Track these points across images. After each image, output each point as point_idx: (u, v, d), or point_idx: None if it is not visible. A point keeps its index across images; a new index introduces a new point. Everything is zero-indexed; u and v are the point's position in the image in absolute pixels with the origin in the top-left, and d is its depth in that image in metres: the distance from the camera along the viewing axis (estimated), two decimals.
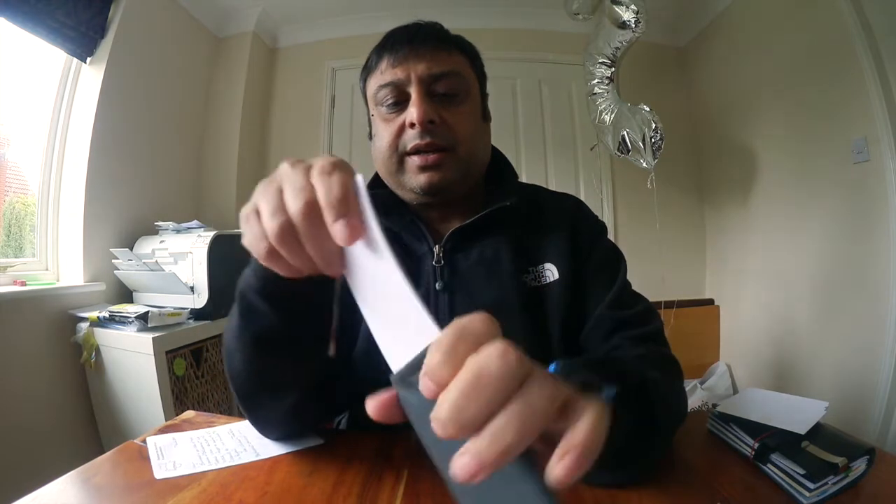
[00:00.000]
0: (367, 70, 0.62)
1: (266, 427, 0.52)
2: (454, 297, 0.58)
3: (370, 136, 0.64)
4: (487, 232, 0.60)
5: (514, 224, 0.62)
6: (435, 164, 0.56)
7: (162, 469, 0.44)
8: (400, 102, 0.58)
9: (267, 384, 0.46)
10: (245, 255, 0.31)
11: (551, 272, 0.60)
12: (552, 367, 0.39)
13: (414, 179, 0.58)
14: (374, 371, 0.57)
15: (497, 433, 0.18)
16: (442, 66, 0.58)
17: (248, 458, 0.48)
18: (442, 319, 0.47)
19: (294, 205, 0.26)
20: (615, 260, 0.64)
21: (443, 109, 0.57)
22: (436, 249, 0.60)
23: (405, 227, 0.62)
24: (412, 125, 0.55)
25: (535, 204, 0.66)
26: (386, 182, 0.63)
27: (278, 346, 0.42)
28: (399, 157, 0.58)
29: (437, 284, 0.59)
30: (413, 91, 0.56)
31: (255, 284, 0.39)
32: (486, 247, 0.60)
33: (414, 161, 0.57)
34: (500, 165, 0.69)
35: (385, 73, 0.58)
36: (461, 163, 0.58)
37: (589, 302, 0.59)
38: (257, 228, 0.28)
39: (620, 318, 0.57)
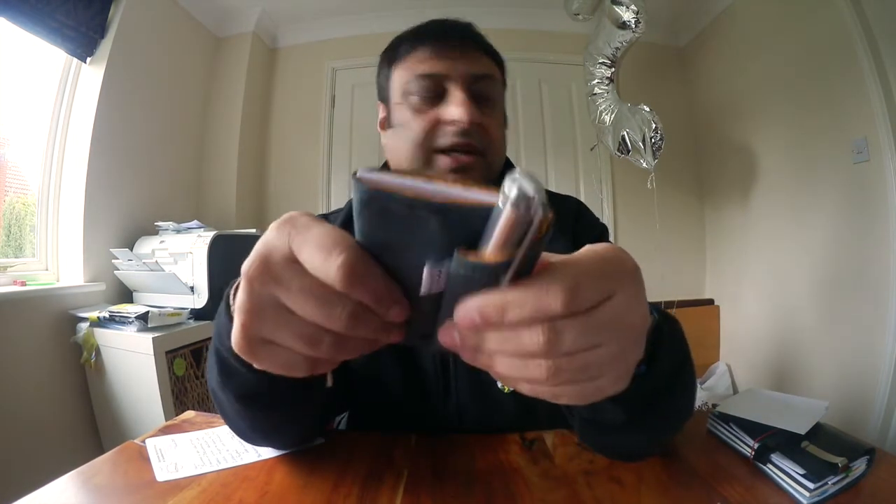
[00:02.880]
0: (394, 57, 0.60)
1: (270, 446, 0.50)
2: None
3: (385, 125, 0.62)
4: None
5: None
6: (467, 166, 0.55)
7: (164, 471, 0.44)
8: (435, 96, 0.56)
9: (264, 429, 0.45)
10: (245, 256, 0.24)
11: None
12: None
13: None
14: (374, 370, 0.57)
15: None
16: (482, 69, 0.57)
17: (249, 458, 0.48)
18: None
19: (338, 323, 0.22)
20: None
21: (480, 112, 0.56)
22: None
23: None
24: (452, 122, 0.54)
25: None
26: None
27: (267, 401, 0.38)
28: (428, 152, 0.56)
29: None
30: (456, 88, 0.55)
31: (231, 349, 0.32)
32: None
33: (445, 160, 0.55)
34: (506, 170, 0.69)
35: (424, 64, 0.56)
36: (487, 168, 0.58)
37: None
38: (289, 356, 0.24)
39: None
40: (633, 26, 1.81)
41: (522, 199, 0.17)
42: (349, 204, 0.69)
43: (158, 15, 2.00)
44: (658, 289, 2.13)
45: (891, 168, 1.44)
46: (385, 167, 0.62)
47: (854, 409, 1.52)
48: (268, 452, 0.49)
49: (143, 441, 0.51)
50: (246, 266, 0.23)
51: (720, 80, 2.31)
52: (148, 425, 1.01)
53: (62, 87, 1.74)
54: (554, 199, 0.69)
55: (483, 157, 0.57)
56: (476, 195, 0.19)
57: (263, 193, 2.54)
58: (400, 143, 0.58)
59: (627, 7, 1.80)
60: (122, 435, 1.48)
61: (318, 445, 0.51)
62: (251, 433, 0.46)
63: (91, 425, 1.59)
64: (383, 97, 0.63)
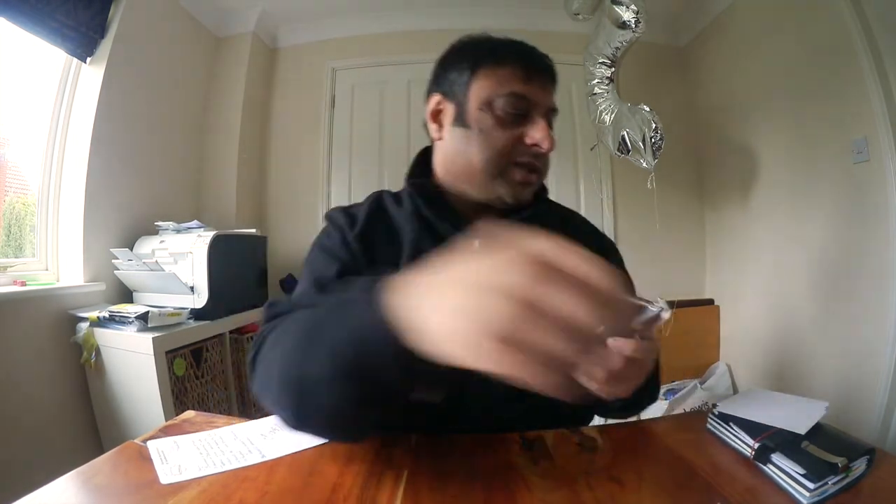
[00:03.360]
0: (481, 62, 0.63)
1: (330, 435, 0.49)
2: None
3: (450, 121, 0.65)
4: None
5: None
6: (531, 182, 0.64)
7: (167, 474, 0.44)
8: (522, 116, 0.62)
9: (349, 419, 0.43)
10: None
11: None
12: None
13: (510, 188, 0.63)
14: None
15: None
16: (554, 103, 0.67)
17: (253, 459, 0.48)
18: None
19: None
20: (626, 276, 0.71)
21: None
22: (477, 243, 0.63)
23: (447, 219, 0.65)
24: (535, 145, 0.61)
25: (567, 219, 0.76)
26: (460, 175, 0.65)
27: (389, 401, 0.40)
28: (507, 162, 0.62)
29: None
30: (539, 115, 0.63)
31: (400, 370, 0.35)
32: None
33: (521, 174, 0.63)
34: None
35: (518, 84, 0.62)
36: (538, 186, 0.67)
37: None
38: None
39: None
40: (633, 26, 1.81)
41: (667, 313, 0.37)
42: (369, 199, 0.72)
43: (158, 15, 1.99)
44: (658, 289, 2.13)
45: (891, 168, 1.44)
46: (423, 163, 0.69)
47: (854, 409, 1.52)
48: (272, 453, 0.49)
49: (144, 441, 0.51)
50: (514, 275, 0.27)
51: (720, 80, 2.31)
52: (148, 425, 1.01)
53: (62, 87, 1.74)
54: (580, 218, 0.79)
55: (540, 176, 0.66)
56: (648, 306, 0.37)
57: (263, 193, 2.54)
58: (475, 147, 0.62)
59: (627, 7, 1.80)
60: (122, 435, 1.48)
61: (318, 445, 0.51)
62: (330, 424, 0.44)
63: (91, 425, 1.59)
64: (449, 91, 0.65)
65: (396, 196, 0.71)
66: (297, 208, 2.50)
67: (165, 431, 0.55)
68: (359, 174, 2.50)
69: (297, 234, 2.44)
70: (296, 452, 0.50)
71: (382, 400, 0.40)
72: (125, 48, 1.80)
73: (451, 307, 0.28)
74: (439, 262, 0.32)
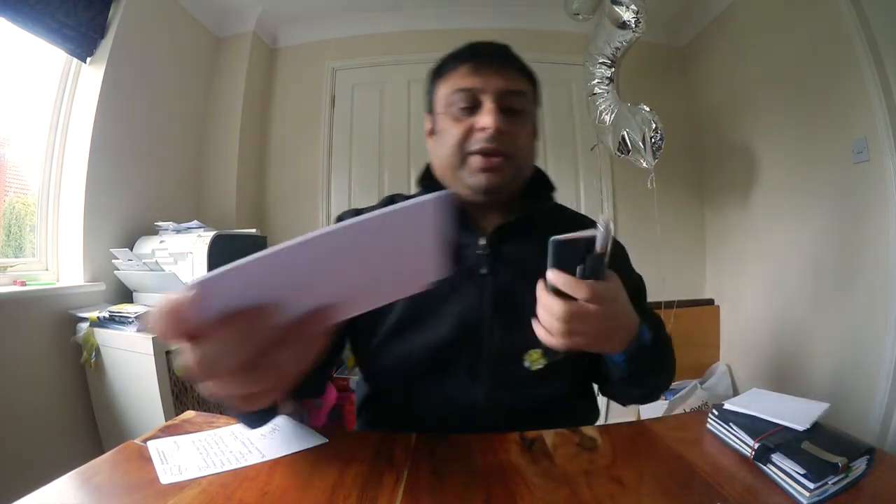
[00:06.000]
0: (440, 73, 0.70)
1: None
2: (497, 280, 0.65)
3: (431, 133, 0.72)
4: (526, 235, 0.67)
5: (549, 233, 0.67)
6: (496, 166, 0.64)
7: (167, 474, 0.44)
8: (471, 108, 0.65)
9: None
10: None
11: None
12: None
13: (474, 178, 0.65)
14: (395, 357, 0.66)
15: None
16: (516, 85, 0.66)
17: (252, 459, 0.48)
18: (486, 300, 0.65)
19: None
20: (636, 276, 0.76)
21: (509, 122, 0.64)
22: (482, 241, 0.66)
23: (454, 218, 0.67)
24: (483, 129, 0.63)
25: (572, 221, 0.75)
26: (442, 175, 0.70)
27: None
28: (463, 155, 0.65)
29: (482, 269, 0.65)
30: (488, 100, 0.64)
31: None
32: (526, 244, 0.66)
33: (477, 160, 0.64)
34: (539, 180, 0.76)
35: (464, 79, 0.65)
36: (515, 170, 0.66)
37: None
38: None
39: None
40: (633, 26, 1.81)
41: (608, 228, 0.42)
42: (382, 201, 0.77)
43: (158, 15, 1.99)
44: (658, 289, 2.13)
45: (891, 168, 1.44)
46: (428, 169, 0.74)
47: (854, 409, 1.52)
48: (272, 453, 0.49)
49: (144, 441, 0.51)
50: None
51: (720, 80, 2.31)
52: (148, 425, 1.01)
53: (62, 87, 1.74)
54: (570, 216, 0.80)
55: (511, 160, 0.65)
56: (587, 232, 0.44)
57: (263, 193, 2.54)
58: (441, 149, 0.68)
59: (627, 7, 1.80)
60: (122, 435, 1.48)
61: (318, 445, 0.51)
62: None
63: (91, 425, 1.59)
64: (430, 109, 0.72)
65: (409, 198, 0.74)
66: (297, 208, 2.50)
67: (165, 431, 0.55)
68: (359, 174, 2.50)
69: (297, 233, 2.41)
70: (296, 452, 0.50)
71: None
72: (125, 48, 1.80)
73: None
74: None
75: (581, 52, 2.12)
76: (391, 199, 0.76)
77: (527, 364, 0.59)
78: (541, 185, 0.75)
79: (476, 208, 0.69)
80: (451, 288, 0.64)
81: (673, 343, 0.69)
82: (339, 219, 0.73)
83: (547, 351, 0.58)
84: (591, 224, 0.78)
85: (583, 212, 0.85)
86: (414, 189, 0.76)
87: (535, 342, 0.59)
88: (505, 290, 0.64)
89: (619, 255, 0.76)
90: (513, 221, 0.67)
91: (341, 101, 2.54)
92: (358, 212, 0.73)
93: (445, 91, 0.67)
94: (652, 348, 0.57)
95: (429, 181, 0.72)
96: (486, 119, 0.62)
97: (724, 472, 0.46)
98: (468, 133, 0.64)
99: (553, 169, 2.47)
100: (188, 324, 0.27)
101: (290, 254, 0.27)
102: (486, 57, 0.66)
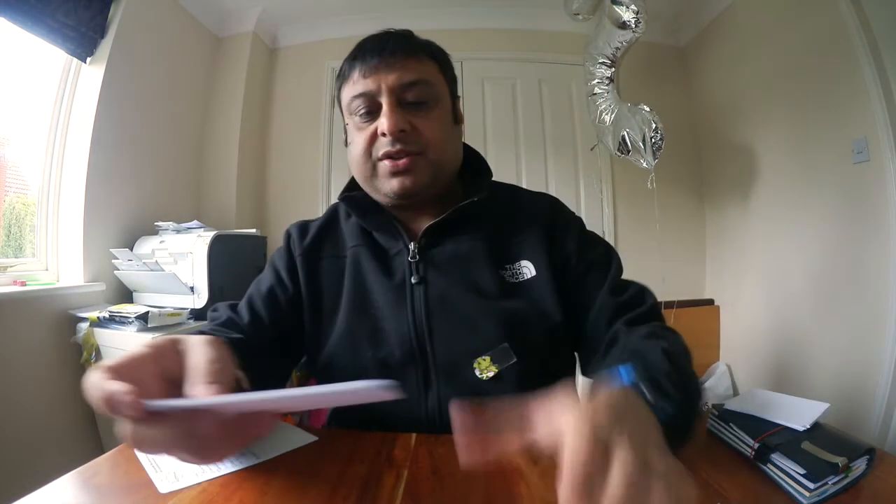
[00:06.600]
0: (341, 79, 0.64)
1: None
2: (429, 289, 0.61)
3: (346, 143, 0.67)
4: (462, 229, 0.63)
5: (488, 221, 0.65)
6: (405, 168, 0.59)
7: (164, 482, 0.44)
8: (372, 112, 0.60)
9: None
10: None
11: (528, 269, 0.63)
12: (623, 372, 0.40)
13: (386, 184, 0.61)
14: (346, 372, 0.63)
15: None
16: (411, 75, 0.60)
17: (248, 462, 0.48)
18: (417, 310, 0.59)
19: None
20: (602, 247, 0.66)
21: (413, 116, 0.60)
22: (411, 246, 0.63)
23: (381, 226, 0.65)
24: (384, 134, 0.58)
25: (510, 203, 0.68)
26: (362, 186, 0.66)
27: None
28: (372, 163, 0.61)
29: (412, 278, 0.62)
30: (384, 101, 0.59)
31: None
32: (462, 242, 0.63)
33: (385, 166, 0.60)
34: (474, 165, 0.71)
35: (357, 84, 0.60)
36: (431, 166, 0.61)
37: (586, 291, 0.62)
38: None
39: (620, 303, 0.59)
40: (633, 26, 1.81)
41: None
42: (327, 211, 0.74)
43: (158, 15, 1.99)
44: (658, 289, 2.13)
45: (891, 168, 1.44)
46: (352, 181, 0.68)
47: (854, 409, 1.52)
48: (267, 455, 0.49)
49: None
50: None
51: (720, 80, 2.31)
52: None
53: (62, 87, 1.74)
54: (528, 197, 0.71)
55: (422, 156, 0.60)
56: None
57: (263, 193, 2.54)
58: (353, 160, 0.64)
59: (627, 7, 1.80)
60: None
61: (319, 446, 0.51)
62: None
63: (91, 425, 1.59)
64: (342, 118, 0.68)
65: (351, 199, 0.71)
66: (297, 208, 2.50)
67: None
68: None
69: None
70: (295, 453, 0.50)
71: None
72: (125, 48, 1.80)
73: None
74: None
75: (581, 52, 2.12)
76: (334, 210, 0.73)
77: (477, 373, 0.57)
78: (476, 171, 0.70)
79: (405, 212, 0.66)
80: (387, 303, 0.61)
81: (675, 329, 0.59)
82: (287, 234, 0.71)
83: (496, 356, 0.57)
84: (535, 198, 0.71)
85: (583, 211, 0.81)
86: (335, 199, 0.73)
87: (481, 347, 0.57)
88: (440, 296, 0.60)
89: (572, 231, 0.66)
90: (441, 220, 0.62)
91: None
92: (303, 224, 0.71)
93: (345, 98, 0.63)
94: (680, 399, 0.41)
95: (352, 192, 0.68)
96: (382, 123, 0.58)
97: (724, 472, 0.46)
98: (372, 139, 0.60)
99: (553, 169, 2.47)
100: (123, 414, 0.29)
101: (239, 405, 0.32)
102: (374, 53, 0.60)
